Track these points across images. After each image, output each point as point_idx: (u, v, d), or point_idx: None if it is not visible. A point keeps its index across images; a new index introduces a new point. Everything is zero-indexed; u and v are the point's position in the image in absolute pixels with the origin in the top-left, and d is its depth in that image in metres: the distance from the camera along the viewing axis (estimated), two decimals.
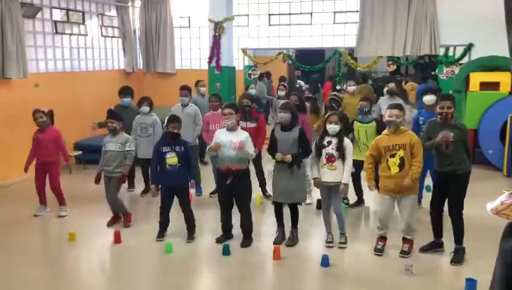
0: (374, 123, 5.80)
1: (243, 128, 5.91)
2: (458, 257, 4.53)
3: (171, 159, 5.05)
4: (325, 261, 4.50)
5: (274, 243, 5.00)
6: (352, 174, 5.92)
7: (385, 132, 4.71)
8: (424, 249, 4.74)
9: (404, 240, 4.74)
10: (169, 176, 5.10)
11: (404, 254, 4.69)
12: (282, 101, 5.77)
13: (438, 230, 4.75)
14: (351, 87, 7.75)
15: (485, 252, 4.42)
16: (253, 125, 6.18)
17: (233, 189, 4.93)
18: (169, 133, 5.14)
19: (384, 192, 4.69)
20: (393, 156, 4.53)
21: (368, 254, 4.82)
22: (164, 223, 5.23)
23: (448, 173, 4.48)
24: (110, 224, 5.64)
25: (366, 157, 4.78)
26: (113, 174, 5.55)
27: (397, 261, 4.55)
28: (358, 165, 5.54)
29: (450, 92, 8.00)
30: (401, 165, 4.50)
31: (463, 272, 4.27)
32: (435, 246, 4.76)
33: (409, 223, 4.66)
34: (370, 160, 4.70)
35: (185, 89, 6.95)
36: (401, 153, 4.51)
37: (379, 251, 4.80)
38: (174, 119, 5.20)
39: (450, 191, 4.56)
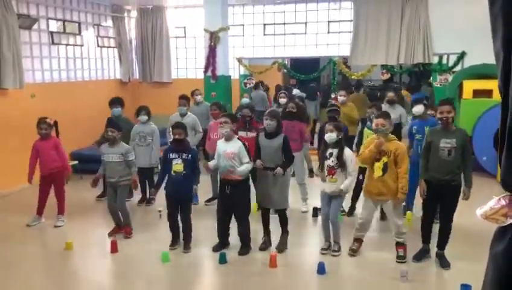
0: None
1: (243, 138, 5.96)
2: (447, 261, 4.61)
3: (177, 166, 5.06)
4: (321, 269, 4.52)
5: (260, 249, 5.08)
6: (358, 181, 5.96)
7: (375, 136, 4.84)
8: (417, 258, 4.77)
9: (397, 244, 4.80)
10: (173, 183, 5.10)
11: (401, 259, 4.73)
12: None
13: (428, 237, 4.79)
14: (342, 98, 7.80)
15: (479, 257, 4.43)
16: (253, 134, 6.21)
17: (231, 199, 4.95)
18: (174, 140, 5.19)
19: (367, 195, 4.84)
20: (378, 160, 4.69)
21: (363, 261, 4.85)
22: (174, 229, 5.24)
23: (446, 181, 4.51)
24: (112, 234, 5.60)
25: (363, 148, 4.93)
26: (119, 184, 5.52)
27: (393, 268, 4.58)
28: (364, 172, 5.61)
29: None
30: (384, 170, 4.66)
31: (457, 278, 4.29)
32: (426, 253, 4.80)
33: (397, 226, 4.75)
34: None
35: (183, 99, 6.98)
36: (385, 159, 4.66)
37: (353, 251, 4.91)
38: (176, 126, 5.24)
39: (445, 199, 4.61)
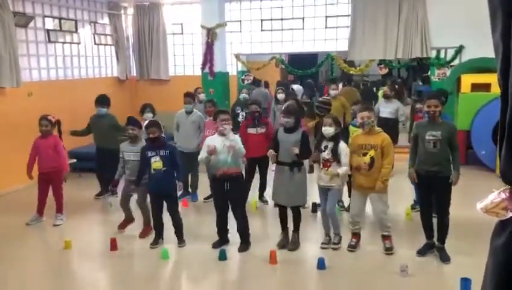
0: None
1: (253, 135, 5.97)
2: (447, 255, 4.62)
3: (156, 163, 5.04)
4: (321, 264, 4.53)
5: (278, 246, 5.02)
6: (349, 176, 5.97)
7: (361, 131, 4.90)
8: (421, 252, 4.77)
9: (383, 237, 4.90)
10: (154, 181, 5.09)
11: (388, 251, 4.82)
12: (283, 105, 5.84)
13: (430, 231, 4.80)
14: (334, 91, 7.82)
15: (479, 251, 4.44)
16: (263, 130, 6.18)
17: (229, 193, 4.95)
18: (149, 139, 5.16)
19: (355, 188, 4.89)
20: (365, 154, 4.73)
21: (363, 256, 4.85)
22: (157, 227, 5.22)
23: (434, 173, 4.55)
24: (122, 228, 5.61)
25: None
26: (141, 182, 5.48)
27: (393, 263, 4.58)
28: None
29: None
30: (371, 164, 4.70)
31: (457, 272, 4.29)
32: (430, 248, 4.81)
33: (381, 219, 4.84)
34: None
35: (188, 96, 6.89)
36: (372, 152, 4.70)
37: (352, 247, 4.93)
38: (150, 124, 5.19)
39: (437, 192, 4.64)
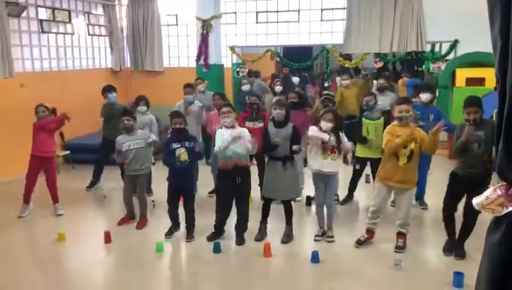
0: (382, 120, 5.75)
1: (250, 128, 5.93)
2: (463, 251, 4.56)
3: (183, 155, 5.00)
4: (315, 257, 4.54)
5: (256, 239, 5.04)
6: (355, 171, 5.98)
7: (395, 123, 4.63)
8: (446, 250, 4.66)
9: (399, 234, 4.77)
10: (178, 174, 5.06)
11: (400, 249, 4.72)
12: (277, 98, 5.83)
13: (454, 230, 4.67)
14: (345, 82, 7.84)
15: (473, 245, 4.50)
16: (261, 125, 6.10)
17: (239, 187, 4.90)
18: (176, 129, 5.10)
19: (383, 181, 4.70)
20: (405, 147, 4.52)
21: (357, 249, 4.87)
22: (174, 219, 5.24)
23: (479, 173, 4.35)
24: (121, 223, 5.58)
25: (386, 141, 4.62)
26: (140, 172, 5.51)
27: (387, 256, 4.60)
28: (363, 162, 5.60)
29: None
30: (410, 157, 4.52)
31: (451, 266, 4.33)
32: (455, 248, 4.64)
33: (405, 217, 4.70)
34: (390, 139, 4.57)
35: (189, 87, 6.86)
36: (412, 145, 4.50)
37: (359, 243, 4.87)
38: (175, 115, 5.18)
39: (472, 193, 4.48)
